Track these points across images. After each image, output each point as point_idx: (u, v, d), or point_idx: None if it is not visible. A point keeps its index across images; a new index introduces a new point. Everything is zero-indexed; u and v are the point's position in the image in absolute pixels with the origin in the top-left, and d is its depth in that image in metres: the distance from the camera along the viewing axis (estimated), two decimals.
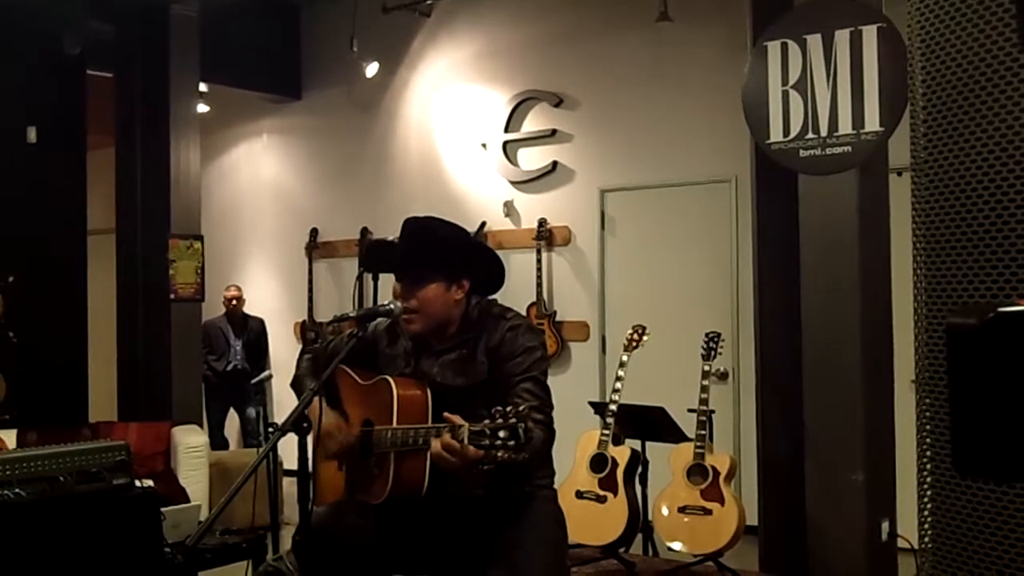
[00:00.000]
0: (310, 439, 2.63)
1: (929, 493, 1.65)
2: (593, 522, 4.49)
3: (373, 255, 3.29)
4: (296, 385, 3.01)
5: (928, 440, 1.61)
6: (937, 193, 1.62)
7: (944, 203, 1.60)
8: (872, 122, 3.83)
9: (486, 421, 2.33)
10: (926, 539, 1.66)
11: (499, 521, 2.64)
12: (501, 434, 2.29)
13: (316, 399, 2.58)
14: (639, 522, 4.58)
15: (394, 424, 2.62)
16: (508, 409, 2.33)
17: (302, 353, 3.11)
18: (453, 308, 2.73)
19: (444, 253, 2.75)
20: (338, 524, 2.72)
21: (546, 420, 2.59)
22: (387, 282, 3.36)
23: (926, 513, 1.66)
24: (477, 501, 2.64)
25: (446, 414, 2.43)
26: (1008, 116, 1.52)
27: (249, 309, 7.99)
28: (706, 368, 4.62)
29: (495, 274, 2.85)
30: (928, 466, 1.63)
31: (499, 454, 2.29)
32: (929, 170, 1.64)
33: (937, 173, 1.62)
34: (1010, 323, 1.11)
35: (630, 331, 4.86)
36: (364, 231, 7.59)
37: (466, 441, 2.34)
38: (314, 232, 8.00)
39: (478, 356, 2.69)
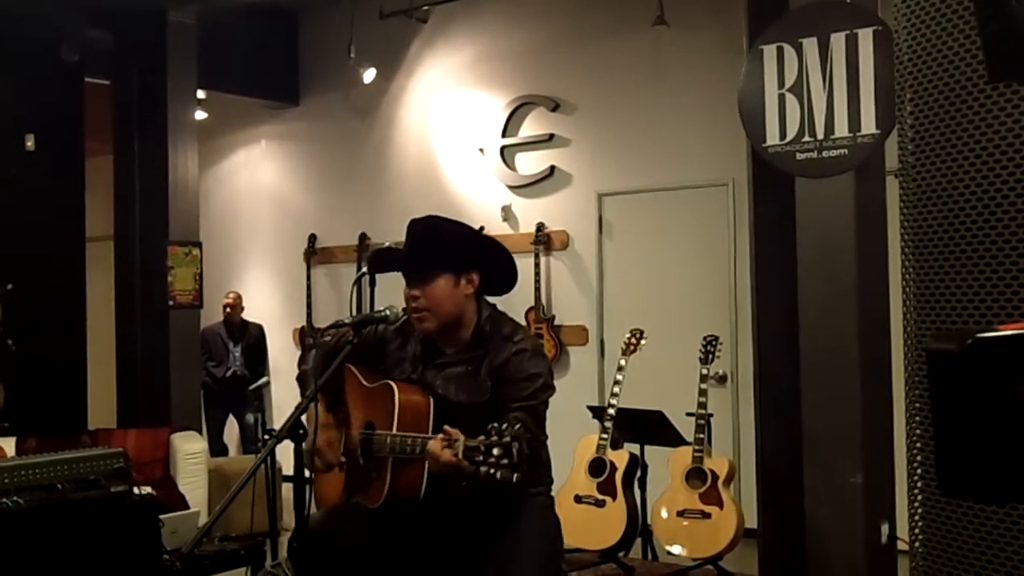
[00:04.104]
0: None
1: (920, 510, 1.65)
2: (592, 526, 4.49)
3: (378, 259, 3.27)
4: (302, 381, 2.97)
5: (919, 458, 1.61)
6: (926, 200, 1.62)
7: (934, 210, 1.60)
8: (868, 125, 3.83)
9: (481, 437, 2.32)
10: (916, 545, 1.66)
11: (493, 529, 2.63)
12: (495, 451, 2.28)
13: (312, 404, 2.58)
14: (638, 526, 4.58)
15: (394, 430, 2.62)
16: (504, 427, 2.31)
17: (308, 347, 3.07)
18: (464, 304, 2.70)
19: (449, 246, 2.73)
20: (333, 529, 2.72)
21: (528, 453, 2.54)
22: (384, 289, 3.36)
23: (917, 531, 1.66)
24: (472, 508, 2.64)
25: (446, 427, 2.42)
26: (994, 122, 1.52)
27: (248, 315, 7.99)
28: (704, 372, 4.62)
29: (505, 266, 2.81)
30: (919, 484, 1.63)
31: (490, 471, 2.29)
32: (918, 176, 1.64)
33: (926, 180, 1.62)
34: (989, 348, 1.12)
35: (628, 335, 4.87)
36: (362, 237, 7.59)
37: (461, 455, 2.34)
38: (312, 238, 8.00)
39: (482, 375, 2.66)
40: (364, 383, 2.82)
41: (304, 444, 2.53)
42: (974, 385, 1.12)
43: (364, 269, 3.99)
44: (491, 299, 2.86)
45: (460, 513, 2.65)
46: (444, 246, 2.73)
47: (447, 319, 2.70)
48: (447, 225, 2.82)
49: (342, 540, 2.70)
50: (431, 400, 2.66)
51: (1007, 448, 1.11)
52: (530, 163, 6.93)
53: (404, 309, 2.80)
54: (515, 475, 2.29)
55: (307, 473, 2.70)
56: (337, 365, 2.66)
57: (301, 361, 3.05)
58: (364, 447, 2.74)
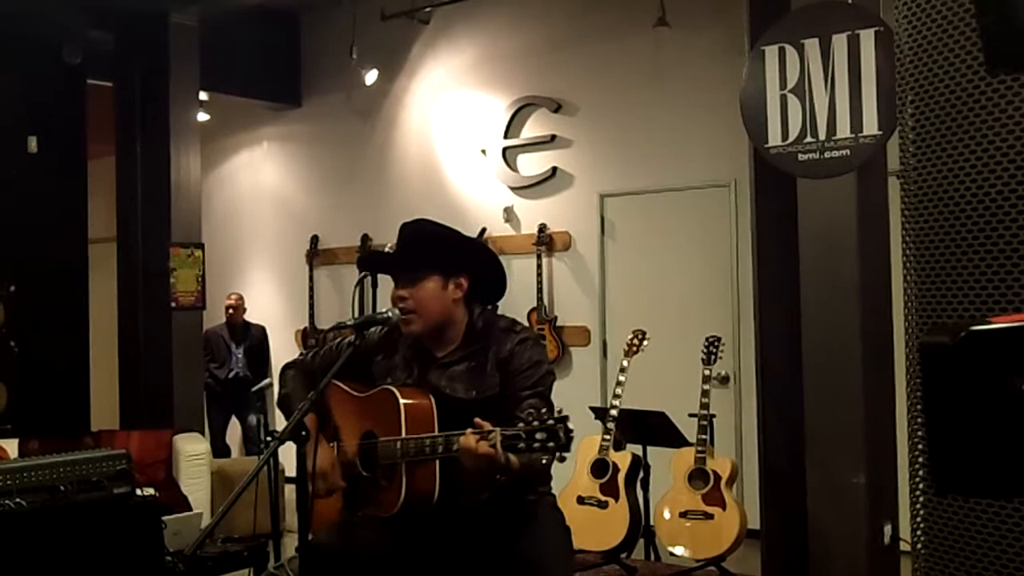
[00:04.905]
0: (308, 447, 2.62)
1: (922, 511, 1.65)
2: (595, 527, 4.49)
3: (367, 261, 3.28)
4: (284, 405, 2.92)
5: (921, 458, 1.61)
6: (927, 201, 1.62)
7: (935, 211, 1.60)
8: (870, 125, 3.83)
9: (520, 424, 2.31)
10: (919, 546, 1.66)
11: (510, 531, 2.62)
12: (538, 436, 2.27)
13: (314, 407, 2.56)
14: (640, 527, 4.58)
15: (403, 434, 2.59)
16: (544, 411, 2.32)
17: (285, 368, 3.02)
18: (452, 308, 2.70)
19: (437, 249, 2.74)
20: (348, 541, 2.68)
21: None
22: (387, 290, 3.36)
23: (919, 532, 1.66)
24: (485, 511, 2.62)
25: (477, 419, 2.40)
26: (995, 123, 1.52)
27: (250, 317, 8.00)
28: (707, 372, 4.62)
29: (494, 274, 2.81)
30: (921, 485, 1.63)
31: (533, 456, 2.28)
32: (919, 177, 1.64)
33: (927, 181, 1.62)
34: (982, 341, 1.12)
35: (631, 336, 4.87)
36: (365, 238, 7.59)
37: (499, 446, 2.32)
38: (315, 239, 8.01)
39: (488, 369, 2.65)
40: (355, 394, 2.79)
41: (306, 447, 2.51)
42: (968, 378, 1.12)
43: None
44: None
45: (475, 516, 2.63)
46: (434, 248, 2.73)
47: (433, 322, 2.69)
48: (437, 228, 2.82)
49: (360, 550, 2.66)
50: (432, 399, 2.65)
51: (1001, 442, 1.10)
52: (532, 164, 6.93)
53: None
54: (562, 455, 2.29)
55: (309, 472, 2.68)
56: (339, 368, 2.64)
57: (281, 384, 3.02)
58: (366, 457, 2.71)
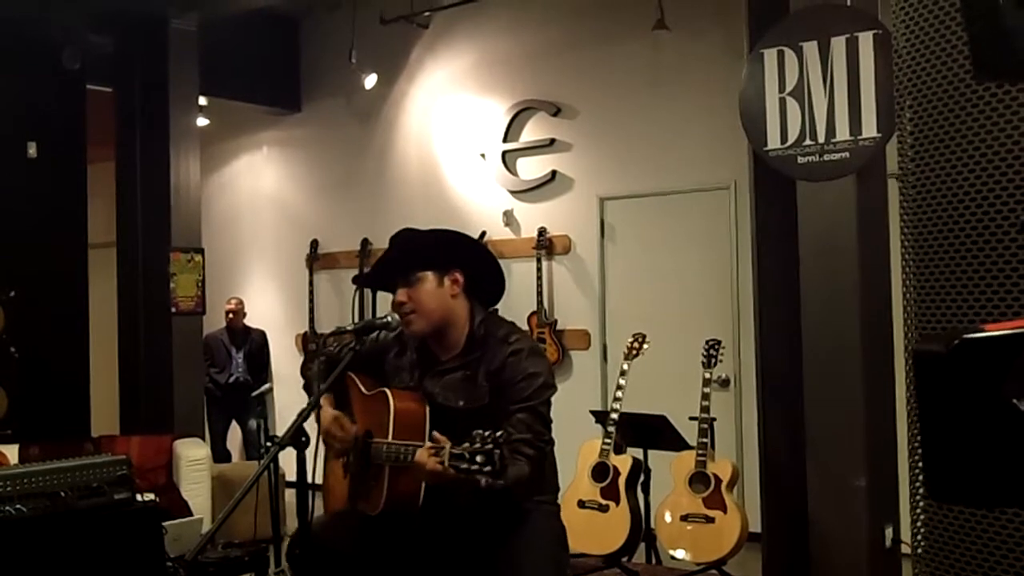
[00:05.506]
0: (309, 452, 2.64)
1: (922, 515, 1.65)
2: (595, 531, 4.49)
3: (365, 278, 3.33)
4: (308, 389, 3.01)
5: (920, 462, 1.61)
6: (926, 205, 1.62)
7: (933, 214, 1.60)
8: (870, 128, 3.84)
9: (466, 444, 2.34)
10: (919, 550, 1.65)
11: (498, 536, 2.63)
12: (478, 459, 2.31)
13: (315, 412, 2.59)
14: (641, 531, 4.57)
15: (390, 438, 2.63)
16: (487, 434, 2.33)
17: (313, 354, 3.12)
18: (452, 304, 2.72)
19: (427, 247, 2.78)
20: (333, 534, 2.73)
21: (535, 454, 2.55)
22: (387, 295, 3.37)
23: (919, 536, 1.66)
24: (475, 516, 2.63)
25: (435, 434, 2.44)
26: (993, 128, 1.52)
27: (250, 321, 8.00)
28: (707, 375, 4.62)
29: (488, 266, 2.83)
30: (920, 489, 1.63)
31: (475, 478, 2.31)
32: (917, 181, 1.64)
33: (925, 185, 1.62)
34: (975, 349, 1.11)
35: (631, 339, 4.86)
36: (364, 242, 7.60)
37: (447, 462, 2.35)
38: (315, 243, 8.01)
39: (480, 379, 2.67)
40: (363, 391, 2.84)
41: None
42: (961, 387, 1.12)
43: None
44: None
45: (462, 522, 2.64)
46: (423, 248, 2.78)
47: (435, 320, 2.71)
48: (424, 231, 2.88)
49: (340, 544, 2.72)
50: (427, 408, 2.66)
51: (995, 451, 1.10)
52: (531, 168, 6.93)
53: None
54: (499, 482, 2.32)
55: (310, 479, 2.70)
56: (340, 372, 2.67)
57: (304, 368, 3.08)
58: (364, 454, 2.74)
